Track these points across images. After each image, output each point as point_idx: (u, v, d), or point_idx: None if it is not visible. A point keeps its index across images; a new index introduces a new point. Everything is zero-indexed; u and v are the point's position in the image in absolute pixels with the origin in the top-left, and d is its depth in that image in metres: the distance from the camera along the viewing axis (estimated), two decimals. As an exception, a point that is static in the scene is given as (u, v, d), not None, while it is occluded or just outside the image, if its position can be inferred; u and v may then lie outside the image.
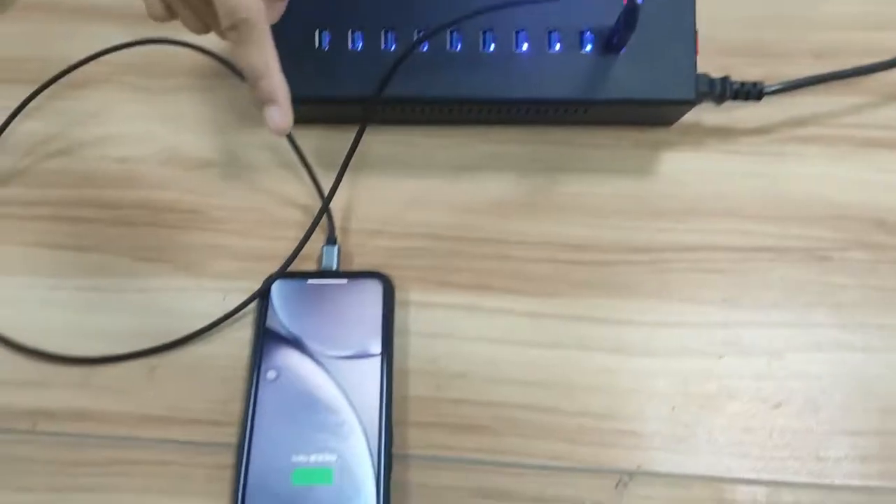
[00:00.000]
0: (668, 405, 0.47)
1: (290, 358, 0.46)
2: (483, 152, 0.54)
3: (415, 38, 0.50)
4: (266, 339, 0.47)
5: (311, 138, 0.54)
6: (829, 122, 0.56)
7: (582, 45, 0.50)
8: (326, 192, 0.51)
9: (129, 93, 0.56)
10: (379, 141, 0.54)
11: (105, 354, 0.47)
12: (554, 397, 0.47)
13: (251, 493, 0.42)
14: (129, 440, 0.45)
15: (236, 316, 0.48)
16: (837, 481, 0.45)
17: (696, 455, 0.45)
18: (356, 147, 0.51)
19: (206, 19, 0.42)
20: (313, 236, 0.51)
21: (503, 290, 0.50)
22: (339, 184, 0.51)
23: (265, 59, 0.39)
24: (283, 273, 0.49)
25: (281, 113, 0.40)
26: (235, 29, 0.38)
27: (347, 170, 0.52)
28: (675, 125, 0.55)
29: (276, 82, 0.40)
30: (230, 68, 0.54)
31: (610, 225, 0.52)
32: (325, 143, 0.54)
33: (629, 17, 0.47)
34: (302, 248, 0.50)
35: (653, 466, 0.45)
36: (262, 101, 0.40)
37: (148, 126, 0.55)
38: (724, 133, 0.55)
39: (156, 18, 0.42)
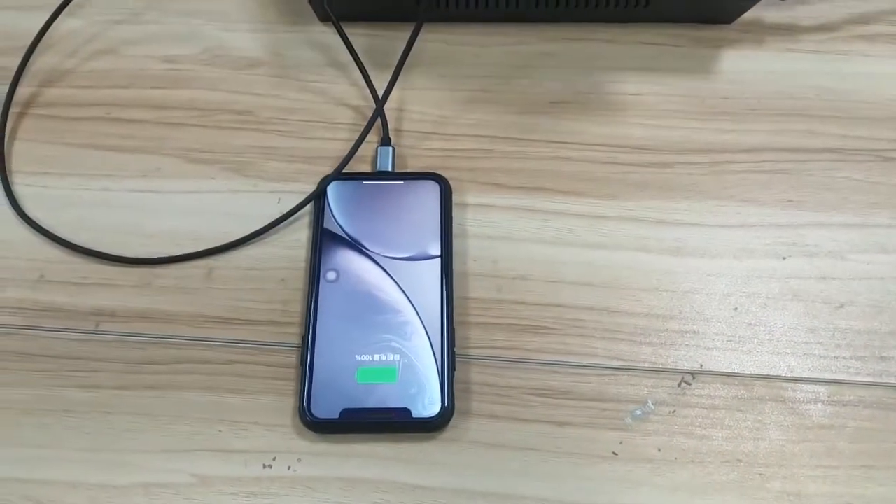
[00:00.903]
0: (730, 305, 0.46)
1: (349, 259, 0.46)
2: (538, 51, 0.53)
3: None
4: (324, 240, 0.46)
5: (360, 37, 0.52)
6: (894, 19, 0.54)
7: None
8: (379, 92, 0.50)
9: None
10: (431, 39, 0.53)
11: (162, 255, 0.47)
12: (614, 298, 0.46)
13: (317, 391, 0.42)
14: (192, 340, 0.45)
15: (292, 218, 0.48)
16: (900, 381, 0.45)
17: (757, 355, 0.45)
18: (412, 45, 0.49)
19: None
20: (367, 136, 0.50)
21: (560, 192, 0.49)
22: (394, 84, 0.50)
23: None
24: (339, 175, 0.48)
25: None
26: None
27: (403, 69, 0.51)
28: (736, 22, 0.53)
29: None
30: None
31: (669, 125, 0.51)
32: (375, 41, 0.53)
33: None
34: (357, 148, 0.49)
35: (715, 366, 0.45)
36: None
37: (192, 24, 0.53)
38: (787, 30, 0.53)
39: None
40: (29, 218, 0.48)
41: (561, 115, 0.51)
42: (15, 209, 0.48)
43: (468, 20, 0.53)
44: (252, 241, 0.48)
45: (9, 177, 0.49)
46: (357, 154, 0.50)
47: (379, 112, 0.50)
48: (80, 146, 0.50)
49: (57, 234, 0.47)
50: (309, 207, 0.48)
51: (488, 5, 0.51)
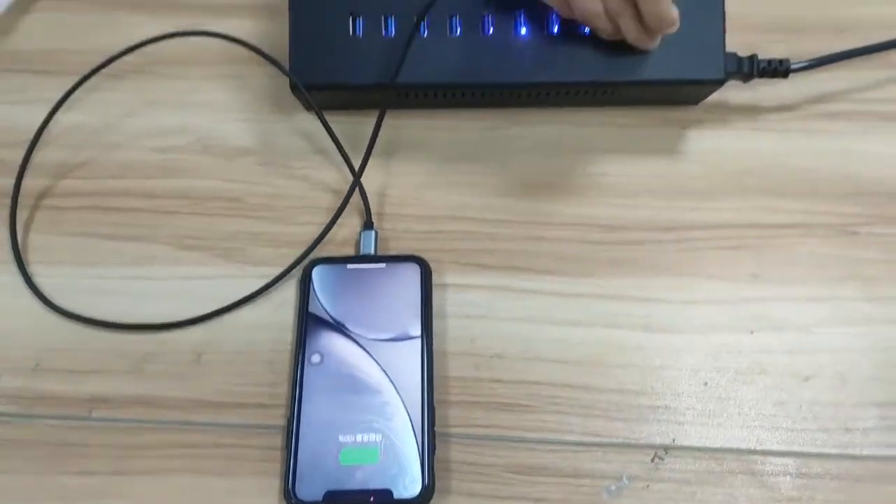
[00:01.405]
0: (700, 380, 0.48)
1: (332, 341, 0.48)
2: (512, 134, 0.55)
3: (445, 22, 0.51)
4: (309, 323, 0.48)
5: (343, 124, 0.55)
6: (854, 97, 0.56)
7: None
8: (361, 175, 0.53)
9: (164, 82, 0.57)
10: (411, 125, 0.55)
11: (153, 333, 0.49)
12: (588, 375, 0.48)
13: (302, 473, 0.44)
14: (183, 424, 0.47)
15: (279, 301, 0.50)
16: (866, 451, 0.46)
17: (727, 429, 0.47)
18: (378, 131, 0.52)
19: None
20: (350, 221, 0.52)
21: (535, 271, 0.51)
22: (366, 163, 0.52)
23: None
24: (323, 258, 0.51)
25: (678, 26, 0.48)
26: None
27: (381, 156, 0.53)
28: (701, 104, 0.56)
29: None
30: (263, 56, 0.54)
31: (638, 204, 0.53)
32: (357, 127, 0.55)
33: None
34: (333, 224, 0.52)
35: (687, 440, 0.47)
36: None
37: (185, 115, 0.56)
38: (751, 110, 0.56)
39: (608, 36, 0.50)
40: (45, 297, 0.50)
41: (534, 196, 0.54)
42: (38, 297, 0.50)
43: (445, 107, 0.55)
44: (240, 324, 0.50)
45: (27, 267, 0.51)
46: (342, 237, 0.52)
47: (355, 186, 0.52)
48: (75, 235, 0.52)
49: (53, 321, 0.49)
50: (295, 291, 0.50)
51: (464, 95, 0.53)
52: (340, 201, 0.53)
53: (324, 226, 0.52)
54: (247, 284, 0.51)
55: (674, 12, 0.47)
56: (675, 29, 0.48)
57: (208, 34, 0.55)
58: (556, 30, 0.51)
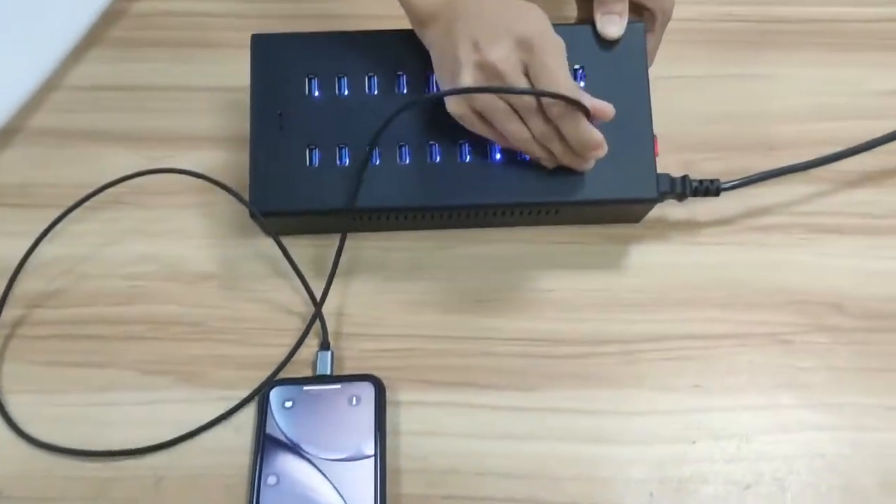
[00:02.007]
0: (645, 491, 0.50)
1: (288, 463, 0.50)
2: (463, 253, 0.58)
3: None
4: (266, 445, 0.50)
5: (304, 248, 0.58)
6: (786, 210, 0.60)
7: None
8: (319, 298, 0.55)
9: (132, 212, 0.60)
10: (367, 247, 0.58)
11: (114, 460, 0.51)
12: (537, 488, 0.50)
13: None
14: (141, 548, 0.48)
15: (239, 424, 0.52)
16: (807, 558, 0.48)
17: (673, 538, 0.48)
18: (339, 258, 0.55)
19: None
20: (309, 340, 0.55)
21: (485, 386, 0.53)
22: (326, 294, 0.55)
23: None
24: (280, 380, 0.53)
25: (604, 149, 0.52)
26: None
27: (339, 276, 0.56)
28: (642, 221, 0.59)
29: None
30: (224, 188, 0.58)
31: (584, 318, 0.56)
32: (317, 250, 0.58)
33: None
34: (293, 355, 0.54)
35: (633, 552, 0.48)
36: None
37: (153, 243, 0.59)
38: (688, 226, 0.59)
39: (547, 162, 0.53)
40: (16, 426, 0.52)
41: (484, 312, 0.56)
42: (9, 425, 0.52)
43: (399, 229, 0.59)
44: (198, 448, 0.51)
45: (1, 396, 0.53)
46: (300, 358, 0.55)
47: (316, 317, 0.55)
48: (44, 364, 0.54)
49: (20, 449, 0.51)
50: (253, 412, 0.52)
51: (416, 218, 0.57)
52: (301, 322, 0.55)
53: (284, 347, 0.55)
54: (209, 407, 0.53)
55: (596, 135, 0.51)
56: (603, 151, 0.51)
57: (176, 171, 0.58)
58: (498, 157, 0.55)
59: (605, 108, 0.50)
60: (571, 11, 0.61)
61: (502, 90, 0.50)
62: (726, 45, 0.68)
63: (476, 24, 0.50)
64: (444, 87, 0.53)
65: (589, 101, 0.50)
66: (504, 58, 0.49)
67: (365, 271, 0.58)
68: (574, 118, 0.50)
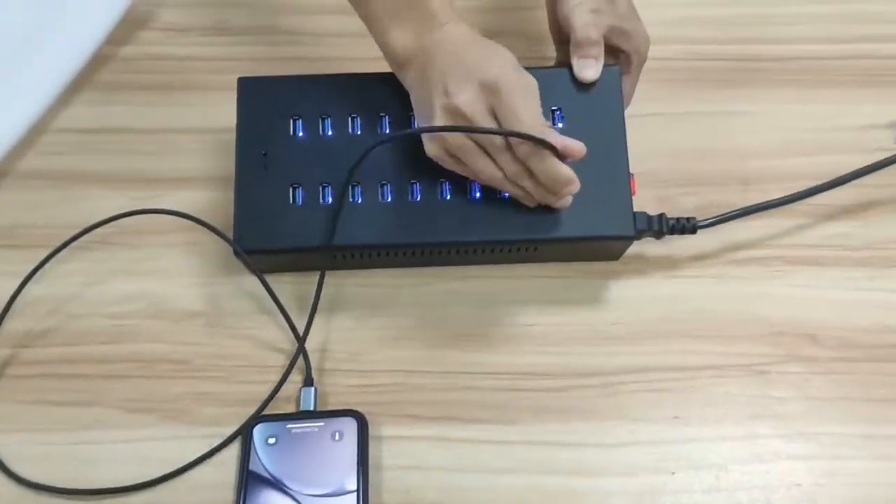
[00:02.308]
0: (626, 523, 0.50)
1: (272, 499, 0.50)
2: (445, 289, 0.59)
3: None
4: (249, 481, 0.51)
5: (288, 284, 0.59)
6: (762, 244, 0.61)
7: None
8: (302, 335, 0.56)
9: (119, 252, 0.61)
10: (350, 283, 0.59)
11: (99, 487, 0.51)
12: (520, 521, 0.50)
13: None
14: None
15: (222, 460, 0.52)
16: (787, 588, 0.48)
17: (654, 570, 0.49)
18: (319, 296, 0.56)
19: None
20: (293, 376, 0.55)
21: (468, 420, 0.54)
22: (308, 331, 0.56)
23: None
24: (264, 416, 0.53)
25: (575, 185, 0.53)
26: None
27: (322, 312, 0.57)
28: (622, 257, 0.60)
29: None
30: (208, 227, 0.59)
31: (565, 351, 0.57)
32: (301, 287, 0.59)
33: None
34: (276, 393, 0.55)
35: (614, 584, 0.48)
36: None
37: (138, 282, 0.60)
38: (666, 262, 0.60)
39: (526, 200, 0.55)
40: (4, 466, 0.52)
41: (467, 347, 0.57)
42: None
43: (382, 266, 0.59)
44: (181, 486, 0.52)
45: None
46: (284, 394, 0.55)
47: (299, 353, 0.55)
48: (31, 403, 0.55)
49: (8, 489, 0.51)
50: (237, 448, 0.53)
51: (398, 255, 0.58)
52: (285, 359, 0.56)
53: (269, 384, 0.55)
54: (194, 445, 0.53)
55: (565, 172, 0.52)
56: (575, 187, 0.53)
57: (161, 212, 0.59)
58: (477, 195, 0.56)
59: (574, 146, 0.51)
60: (552, 52, 0.63)
61: (469, 129, 0.51)
62: (701, 84, 0.70)
63: (446, 69, 0.51)
64: (422, 119, 0.54)
65: (558, 139, 0.51)
66: (470, 101, 0.50)
67: (348, 307, 0.59)
68: (541, 156, 0.51)
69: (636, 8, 0.60)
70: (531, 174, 0.52)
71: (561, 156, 0.51)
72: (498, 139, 0.51)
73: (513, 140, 0.51)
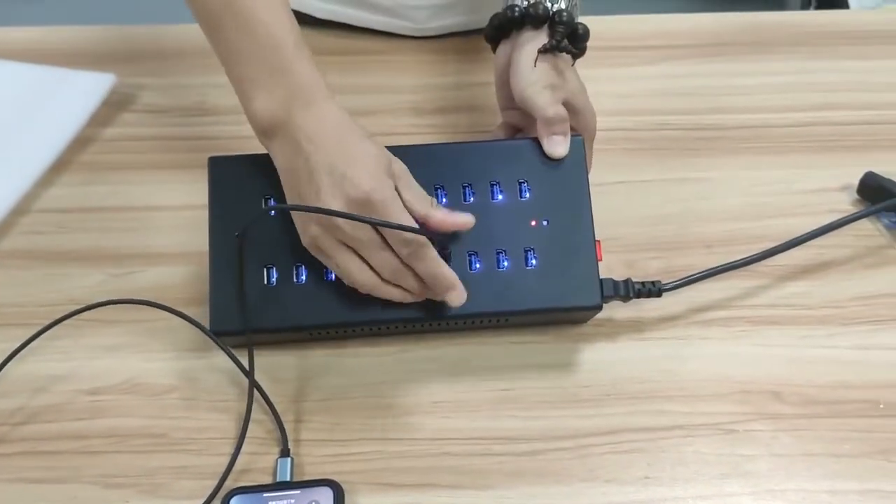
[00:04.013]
0: (600, 585, 0.51)
1: (249, 571, 0.50)
2: (421, 356, 0.61)
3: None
4: (226, 554, 0.51)
5: (266, 357, 0.60)
6: (725, 305, 0.63)
7: (498, 264, 0.57)
8: (278, 408, 0.57)
9: (94, 328, 0.62)
10: (326, 354, 0.60)
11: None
12: (496, 587, 0.50)
13: None
14: None
15: (199, 535, 0.52)
16: None
17: None
18: (253, 374, 0.57)
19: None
20: (270, 449, 0.56)
21: (444, 486, 0.55)
22: (250, 411, 0.57)
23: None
24: (241, 488, 0.54)
25: (459, 293, 0.54)
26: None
27: (299, 382, 0.59)
28: (591, 320, 0.62)
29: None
30: (184, 317, 0.60)
31: (538, 415, 0.58)
32: (279, 359, 0.60)
33: None
34: (234, 462, 0.55)
35: None
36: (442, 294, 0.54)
37: (117, 356, 0.60)
38: (634, 324, 0.62)
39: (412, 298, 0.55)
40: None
41: (442, 413, 0.58)
42: None
43: (358, 337, 0.61)
44: (161, 559, 0.52)
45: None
46: (262, 466, 0.56)
47: (243, 432, 0.56)
48: (5, 481, 0.55)
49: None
50: (215, 521, 0.53)
51: (372, 330, 0.59)
52: (262, 430, 0.57)
53: (246, 455, 0.56)
54: (171, 519, 0.53)
55: (449, 275, 0.53)
56: (457, 295, 0.54)
57: (135, 302, 0.60)
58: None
59: (459, 220, 0.54)
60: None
61: (347, 216, 0.51)
62: (664, 153, 0.73)
63: (317, 170, 0.52)
64: (291, 198, 0.55)
65: (440, 219, 0.53)
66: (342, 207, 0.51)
67: (325, 378, 0.60)
68: (420, 257, 0.52)
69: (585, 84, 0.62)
70: (414, 274, 0.53)
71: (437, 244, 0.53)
72: (371, 237, 0.52)
73: (393, 241, 0.52)
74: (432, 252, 0.53)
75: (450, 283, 0.54)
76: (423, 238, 0.52)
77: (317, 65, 0.55)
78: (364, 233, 0.52)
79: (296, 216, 0.55)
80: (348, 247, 0.53)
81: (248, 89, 0.55)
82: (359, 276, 0.54)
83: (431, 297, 0.55)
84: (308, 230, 0.54)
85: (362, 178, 0.51)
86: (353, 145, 0.53)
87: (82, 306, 0.60)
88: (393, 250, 0.53)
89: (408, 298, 0.55)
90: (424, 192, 0.55)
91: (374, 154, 0.53)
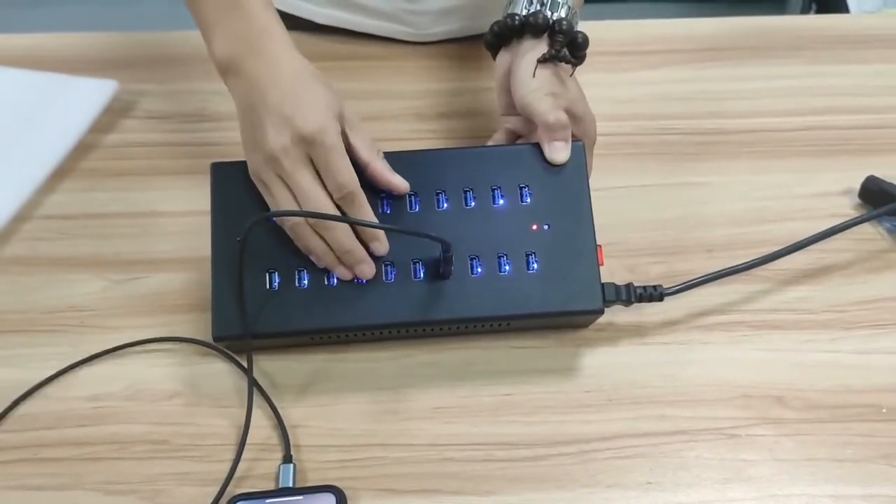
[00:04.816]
0: (603, 591, 0.51)
1: (251, 578, 0.50)
2: (423, 362, 0.61)
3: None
4: (228, 560, 0.51)
5: (264, 362, 0.60)
6: (727, 309, 0.63)
7: (500, 268, 0.57)
8: (280, 412, 0.57)
9: (96, 335, 0.61)
10: (328, 359, 0.60)
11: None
12: (498, 593, 0.50)
13: None
14: None
15: (201, 541, 0.52)
16: None
17: None
18: (252, 377, 0.57)
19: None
20: (273, 455, 0.56)
21: (447, 492, 0.55)
22: (249, 421, 0.57)
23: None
24: (244, 495, 0.54)
25: (381, 243, 0.57)
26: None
27: (299, 388, 0.59)
28: (593, 325, 0.62)
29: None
30: (189, 342, 0.60)
31: (539, 420, 0.58)
32: (282, 364, 0.60)
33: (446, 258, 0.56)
34: (236, 469, 0.55)
35: None
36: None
37: (116, 365, 0.60)
38: (635, 329, 0.62)
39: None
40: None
41: (444, 418, 0.58)
42: None
43: (360, 342, 0.61)
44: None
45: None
46: (264, 472, 0.56)
47: (243, 443, 0.56)
48: (6, 488, 0.55)
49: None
50: (219, 529, 0.53)
51: (374, 334, 0.59)
52: (264, 436, 0.57)
53: (247, 462, 0.56)
54: (173, 525, 0.53)
55: (359, 251, 0.56)
56: (367, 269, 0.56)
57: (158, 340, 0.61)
58: (449, 276, 0.57)
59: (392, 179, 0.57)
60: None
61: (315, 215, 0.55)
62: (664, 157, 0.73)
63: (268, 104, 0.55)
64: (243, 136, 0.57)
65: (383, 177, 0.56)
66: (285, 150, 0.54)
67: (327, 383, 0.60)
68: (354, 200, 0.55)
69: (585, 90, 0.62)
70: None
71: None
72: (309, 180, 0.55)
73: (329, 184, 0.55)
74: (363, 199, 0.56)
75: (371, 237, 0.56)
76: (355, 180, 0.55)
77: (275, 10, 0.57)
78: (302, 173, 0.54)
79: (246, 150, 0.57)
80: (285, 183, 0.55)
81: (207, 32, 0.58)
82: (289, 206, 0.56)
83: (347, 258, 0.56)
84: (254, 160, 0.56)
85: (308, 117, 0.54)
86: (304, 87, 0.55)
87: (130, 341, 0.61)
88: (326, 192, 0.55)
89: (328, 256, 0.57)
90: (373, 140, 0.57)
91: (323, 96, 0.56)
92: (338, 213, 0.56)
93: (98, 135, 0.72)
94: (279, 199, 0.56)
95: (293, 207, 0.55)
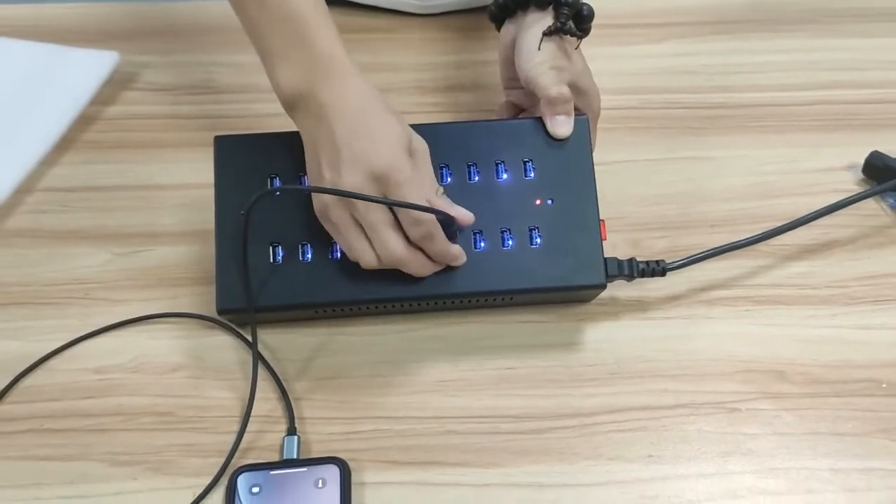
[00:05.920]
0: (605, 562, 0.51)
1: (256, 547, 0.51)
2: (427, 335, 0.61)
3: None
4: (234, 531, 0.51)
5: (273, 335, 0.60)
6: (730, 284, 0.63)
7: (503, 243, 0.57)
8: (284, 384, 0.57)
9: (101, 307, 0.62)
10: (332, 332, 0.61)
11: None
12: (501, 563, 0.51)
13: None
14: None
15: (207, 511, 0.53)
16: None
17: None
18: (256, 350, 0.58)
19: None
20: (277, 427, 0.56)
21: (450, 464, 0.55)
22: (253, 394, 0.57)
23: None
24: (248, 466, 0.54)
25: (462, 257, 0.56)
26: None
27: (304, 361, 0.59)
28: (595, 300, 0.62)
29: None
30: (193, 317, 0.60)
31: (543, 394, 0.58)
32: (287, 337, 0.60)
33: None
34: (240, 440, 0.56)
35: None
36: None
37: (120, 337, 0.61)
38: (638, 304, 0.62)
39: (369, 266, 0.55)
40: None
41: (448, 392, 0.58)
42: None
43: (365, 316, 0.61)
44: (169, 536, 0.52)
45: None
46: (268, 443, 0.56)
47: (248, 416, 0.56)
48: (13, 459, 0.55)
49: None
50: (222, 499, 0.53)
51: (377, 308, 0.59)
52: (269, 408, 0.57)
53: (252, 433, 0.56)
54: (178, 497, 0.54)
55: (456, 249, 0.55)
56: (462, 260, 0.56)
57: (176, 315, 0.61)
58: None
59: (466, 217, 0.55)
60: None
61: (360, 196, 0.52)
62: (668, 132, 0.72)
63: (339, 141, 0.52)
64: (311, 174, 0.56)
65: (451, 211, 0.54)
66: (357, 187, 0.52)
67: (331, 357, 0.60)
68: (432, 238, 0.53)
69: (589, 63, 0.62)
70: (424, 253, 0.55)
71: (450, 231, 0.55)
72: (384, 217, 0.53)
73: (405, 222, 0.53)
74: (441, 233, 0.54)
75: (455, 255, 0.56)
76: (432, 218, 0.53)
77: (340, 37, 0.55)
78: (376, 213, 0.52)
79: (313, 184, 0.56)
80: (357, 224, 0.53)
81: (271, 62, 0.56)
82: (364, 254, 0.54)
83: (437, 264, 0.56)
84: (321, 198, 0.54)
85: (381, 153, 0.52)
86: (374, 119, 0.53)
87: (143, 315, 0.61)
88: (402, 232, 0.53)
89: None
90: (433, 178, 0.56)
91: (395, 129, 0.54)
92: (413, 259, 0.54)
93: (100, 107, 0.72)
94: (351, 242, 0.54)
95: (367, 250, 0.54)
